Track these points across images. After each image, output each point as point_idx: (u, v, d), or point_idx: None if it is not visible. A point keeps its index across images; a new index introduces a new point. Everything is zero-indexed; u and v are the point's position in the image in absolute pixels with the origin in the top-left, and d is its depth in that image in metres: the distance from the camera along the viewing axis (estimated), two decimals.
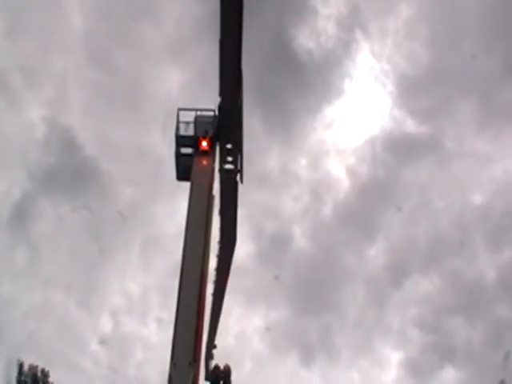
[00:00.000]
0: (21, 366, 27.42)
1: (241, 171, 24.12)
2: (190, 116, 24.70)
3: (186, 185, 26.07)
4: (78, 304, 43.84)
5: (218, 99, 25.97)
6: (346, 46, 48.88)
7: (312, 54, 47.90)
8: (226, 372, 25.95)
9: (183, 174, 24.71)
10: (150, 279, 44.01)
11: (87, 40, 47.28)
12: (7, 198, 46.38)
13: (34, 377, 39.63)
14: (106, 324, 44.35)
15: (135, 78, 46.92)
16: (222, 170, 24.03)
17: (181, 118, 24.60)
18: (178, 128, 24.81)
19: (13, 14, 46.90)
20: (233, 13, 20.50)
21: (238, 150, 24.34)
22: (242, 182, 24.11)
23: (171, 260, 41.24)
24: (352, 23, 48.80)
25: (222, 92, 22.96)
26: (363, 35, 49.34)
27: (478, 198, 46.96)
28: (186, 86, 45.62)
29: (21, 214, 45.61)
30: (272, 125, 42.94)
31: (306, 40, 47.89)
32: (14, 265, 43.75)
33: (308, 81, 46.91)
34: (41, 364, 38.95)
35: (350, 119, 49.37)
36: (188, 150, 24.81)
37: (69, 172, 45.96)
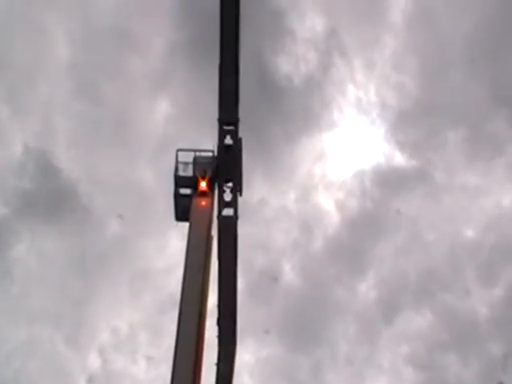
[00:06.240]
0: None
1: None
2: (188, 157, 24.76)
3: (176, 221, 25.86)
4: (66, 341, 43.07)
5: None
6: (326, 72, 48.22)
7: (292, 81, 47.26)
8: None
9: (182, 214, 24.80)
10: (138, 315, 43.31)
11: (73, 71, 46.77)
12: None
13: None
14: (94, 361, 43.59)
15: (122, 109, 46.38)
16: (220, 216, 24.17)
17: (179, 159, 24.70)
18: (177, 168, 24.95)
19: None
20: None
21: (236, 190, 24.32)
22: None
23: (160, 296, 40.84)
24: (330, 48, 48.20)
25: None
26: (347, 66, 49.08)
27: (469, 232, 46.68)
28: (174, 118, 45.29)
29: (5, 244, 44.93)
30: (253, 154, 42.18)
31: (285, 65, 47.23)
32: None
33: (289, 109, 46.38)
34: None
35: (337, 152, 48.90)
36: (187, 191, 24.87)
37: (52, 204, 45.21)
